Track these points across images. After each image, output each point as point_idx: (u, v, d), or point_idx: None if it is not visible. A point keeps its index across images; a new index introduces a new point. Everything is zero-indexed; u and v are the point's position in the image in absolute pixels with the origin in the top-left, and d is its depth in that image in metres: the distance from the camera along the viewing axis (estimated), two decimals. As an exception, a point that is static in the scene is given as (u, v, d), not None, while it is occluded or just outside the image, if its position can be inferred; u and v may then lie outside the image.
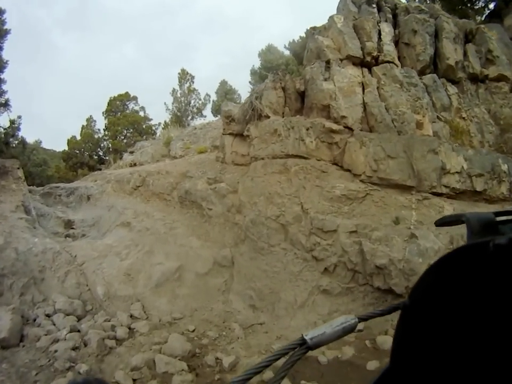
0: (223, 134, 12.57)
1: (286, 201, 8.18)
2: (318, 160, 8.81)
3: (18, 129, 16.96)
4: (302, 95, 10.63)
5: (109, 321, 7.57)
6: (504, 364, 0.34)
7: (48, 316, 8.43)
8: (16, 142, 16.49)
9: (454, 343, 0.39)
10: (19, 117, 17.52)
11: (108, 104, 27.59)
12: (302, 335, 0.52)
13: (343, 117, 9.24)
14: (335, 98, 9.47)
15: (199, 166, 12.84)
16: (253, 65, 24.95)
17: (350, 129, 9.20)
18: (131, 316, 7.78)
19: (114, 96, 28.07)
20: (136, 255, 9.40)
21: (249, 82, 23.54)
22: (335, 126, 9.08)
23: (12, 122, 15.95)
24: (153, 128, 26.76)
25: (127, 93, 28.50)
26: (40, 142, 28.93)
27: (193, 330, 6.68)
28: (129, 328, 7.13)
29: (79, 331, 7.07)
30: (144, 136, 25.08)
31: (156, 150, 19.64)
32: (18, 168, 13.92)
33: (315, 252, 7.01)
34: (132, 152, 21.96)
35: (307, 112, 10.13)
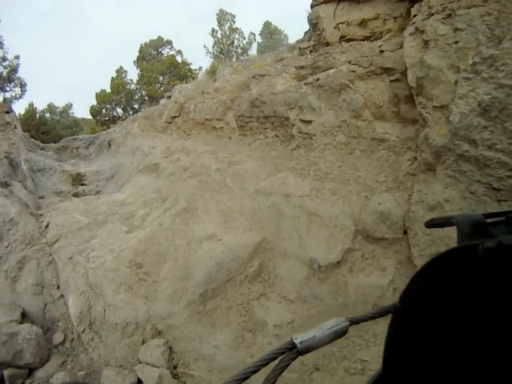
0: (315, 6, 6.69)
1: None
2: None
3: (16, 71, 12.43)
4: None
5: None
6: (498, 367, 0.32)
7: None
8: (12, 84, 11.92)
9: (446, 347, 0.37)
10: (16, 57, 12.96)
11: (139, 52, 22.43)
12: (292, 338, 0.47)
13: None
14: None
15: (269, 68, 6.97)
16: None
17: None
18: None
19: (145, 43, 22.82)
20: (160, 218, 3.98)
21: None
22: None
23: (3, 58, 11.45)
24: (194, 72, 21.20)
25: (159, 37, 23.07)
26: (71, 105, 24.69)
27: None
28: None
29: None
30: (184, 81, 19.62)
31: (198, 85, 14.10)
32: (7, 112, 9.28)
33: None
34: (169, 97, 16.82)
35: None
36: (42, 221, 4.70)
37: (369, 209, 3.19)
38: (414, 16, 4.37)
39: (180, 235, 3.52)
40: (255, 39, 26.81)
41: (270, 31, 28.74)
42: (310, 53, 6.61)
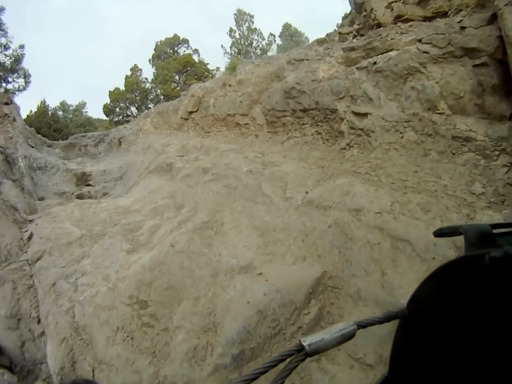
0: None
1: None
2: None
3: (20, 61, 11.66)
4: None
5: None
6: (502, 372, 0.33)
7: None
8: (16, 75, 11.17)
9: (452, 353, 0.37)
10: (21, 47, 12.18)
11: (155, 50, 21.79)
12: (300, 340, 0.47)
13: None
14: None
15: (309, 52, 5.97)
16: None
17: None
18: None
19: (161, 41, 22.17)
20: (172, 234, 2.97)
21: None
22: None
23: (5, 45, 10.70)
24: (211, 72, 20.41)
25: (175, 35, 22.37)
26: (85, 103, 24.14)
27: None
28: None
29: None
30: (202, 80, 18.87)
31: (217, 81, 13.22)
32: (6, 104, 8.58)
33: None
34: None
35: None
36: (26, 231, 3.76)
37: None
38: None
39: (200, 262, 2.50)
40: (274, 40, 25.99)
41: (290, 33, 27.93)
42: (353, 38, 5.58)
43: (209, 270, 2.39)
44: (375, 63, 3.99)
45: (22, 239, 3.65)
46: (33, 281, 3.20)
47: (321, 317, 2.23)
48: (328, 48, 5.07)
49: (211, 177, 3.71)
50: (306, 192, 2.84)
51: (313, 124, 4.53)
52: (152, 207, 3.98)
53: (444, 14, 4.76)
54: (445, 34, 3.70)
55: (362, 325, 0.52)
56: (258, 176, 3.26)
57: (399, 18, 4.92)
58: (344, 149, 3.89)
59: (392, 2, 5.10)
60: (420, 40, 3.80)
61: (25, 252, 3.45)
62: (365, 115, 3.84)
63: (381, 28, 4.98)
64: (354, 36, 5.62)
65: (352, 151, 3.76)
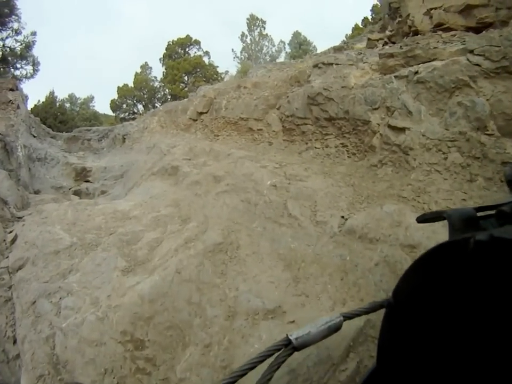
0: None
1: None
2: None
3: (30, 48, 11.23)
4: None
5: None
6: (490, 357, 0.31)
7: None
8: (24, 62, 10.74)
9: (439, 339, 0.36)
10: (33, 34, 11.73)
11: (166, 49, 21.46)
12: (287, 335, 0.47)
13: None
14: None
15: (339, 56, 5.52)
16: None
17: None
18: None
19: (173, 41, 21.86)
20: (178, 256, 2.49)
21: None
22: None
23: (16, 30, 10.30)
24: (220, 75, 20.07)
25: (188, 36, 22.04)
26: (92, 97, 23.73)
27: None
28: None
29: None
30: (210, 83, 18.51)
31: (230, 83, 12.84)
32: (11, 90, 8.13)
33: None
34: (193, 97, 15.62)
35: None
36: (11, 232, 3.28)
37: None
38: None
39: (212, 296, 2.02)
40: (284, 48, 25.84)
41: (299, 41, 27.77)
42: (384, 45, 5.16)
43: (224, 308, 1.91)
44: (416, 72, 3.56)
45: (5, 240, 3.17)
46: (12, 294, 2.72)
47: (358, 372, 1.76)
48: (361, 53, 4.64)
49: (225, 188, 3.24)
50: (343, 217, 2.37)
51: (339, 135, 4.08)
52: (153, 215, 3.51)
53: (489, 25, 4.38)
54: (500, 46, 3.28)
55: (348, 316, 0.51)
56: (283, 192, 2.79)
57: (439, 27, 4.52)
58: (376, 166, 3.43)
59: (432, 9, 4.70)
60: (471, 51, 3.36)
61: (7, 257, 2.97)
62: (402, 130, 3.39)
63: (418, 35, 4.57)
64: (385, 43, 5.21)
65: (386, 169, 3.30)
